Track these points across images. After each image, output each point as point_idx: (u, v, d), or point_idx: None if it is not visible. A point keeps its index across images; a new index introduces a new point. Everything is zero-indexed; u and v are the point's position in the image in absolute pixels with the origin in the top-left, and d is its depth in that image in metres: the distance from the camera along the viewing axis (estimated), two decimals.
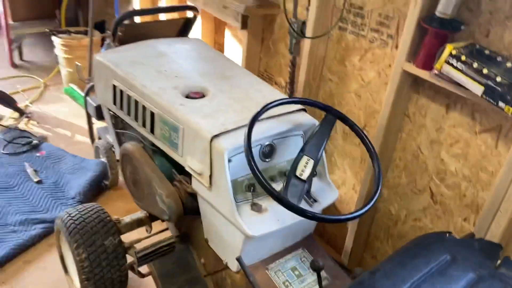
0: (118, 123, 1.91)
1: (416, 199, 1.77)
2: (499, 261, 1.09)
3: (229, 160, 1.29)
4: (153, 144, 1.62)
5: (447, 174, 1.62)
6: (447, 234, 1.19)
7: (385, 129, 1.72)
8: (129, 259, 1.74)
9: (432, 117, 1.63)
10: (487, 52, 1.34)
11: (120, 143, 1.93)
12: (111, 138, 2.41)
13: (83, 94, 2.44)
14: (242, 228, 1.27)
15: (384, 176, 1.88)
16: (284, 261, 1.46)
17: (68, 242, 1.69)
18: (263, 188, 1.18)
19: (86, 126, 2.73)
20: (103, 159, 2.59)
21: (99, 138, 2.65)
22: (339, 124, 2.01)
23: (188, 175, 1.49)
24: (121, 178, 2.62)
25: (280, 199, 1.16)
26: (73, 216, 1.72)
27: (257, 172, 1.16)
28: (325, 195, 1.44)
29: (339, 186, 2.15)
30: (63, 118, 3.28)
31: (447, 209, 1.66)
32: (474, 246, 1.16)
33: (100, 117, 2.38)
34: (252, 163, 1.16)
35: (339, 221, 1.36)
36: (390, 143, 1.78)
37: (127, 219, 1.83)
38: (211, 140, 1.29)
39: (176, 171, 1.57)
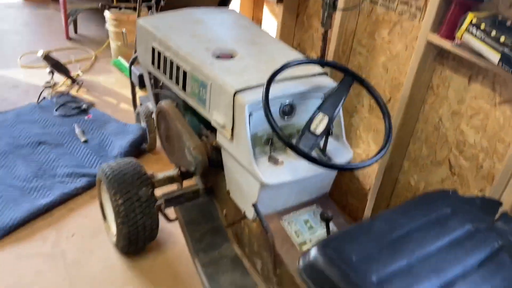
0: (156, 84, 2.07)
1: (435, 171, 1.81)
2: (497, 216, 1.14)
3: (250, 114, 1.40)
4: (184, 102, 1.76)
5: (466, 145, 1.65)
6: (451, 192, 1.24)
7: (408, 101, 1.76)
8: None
9: (455, 88, 1.65)
10: (508, 23, 1.35)
11: (157, 102, 2.09)
12: (151, 104, 2.60)
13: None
14: (258, 176, 1.38)
15: (405, 148, 1.92)
16: (298, 214, 1.56)
17: (107, 189, 1.88)
18: (275, 134, 1.27)
19: (130, 95, 2.93)
20: (143, 124, 2.78)
21: (141, 105, 2.85)
22: (365, 98, 2.08)
23: (214, 131, 1.62)
24: (158, 143, 2.81)
25: (290, 144, 1.26)
26: (113, 167, 1.91)
27: (270, 117, 1.26)
28: (340, 154, 1.51)
29: (363, 159, 2.21)
30: (110, 87, 3.52)
31: (464, 180, 1.69)
32: (476, 202, 1.21)
33: (142, 85, 2.56)
34: (267, 108, 1.26)
35: (343, 169, 1.43)
36: (413, 115, 1.82)
37: (160, 175, 2.00)
38: (234, 94, 1.41)
39: (204, 127, 1.71)
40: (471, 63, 1.49)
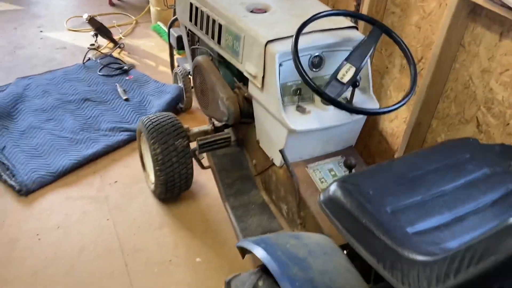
0: (193, 41, 2.17)
1: (462, 129, 1.83)
2: None
3: (280, 65, 1.48)
4: (219, 56, 1.86)
5: (494, 103, 1.66)
6: (471, 139, 1.29)
7: (438, 58, 1.77)
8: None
9: (486, 46, 1.65)
10: None
11: (194, 58, 2.20)
12: (188, 65, 2.71)
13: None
14: (285, 122, 1.47)
15: (434, 107, 1.94)
16: (323, 163, 1.64)
17: (147, 140, 2.03)
18: (303, 80, 1.35)
19: (168, 58, 3.06)
20: (180, 85, 2.91)
21: (178, 66, 2.98)
22: (397, 59, 2.10)
23: (246, 83, 1.71)
24: (194, 104, 2.95)
25: (317, 90, 1.33)
26: (152, 119, 2.05)
27: (298, 63, 1.33)
28: (366, 105, 1.57)
29: (392, 120, 2.24)
30: (149, 51, 3.67)
31: (490, 137, 1.70)
32: (495, 149, 1.25)
33: (180, 47, 2.67)
34: (296, 55, 1.33)
35: (367, 114, 1.49)
36: (443, 74, 1.83)
37: (195, 129, 2.13)
38: (266, 44, 1.49)
39: (237, 80, 1.80)
40: (503, 19, 1.49)
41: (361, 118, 1.63)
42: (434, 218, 1.07)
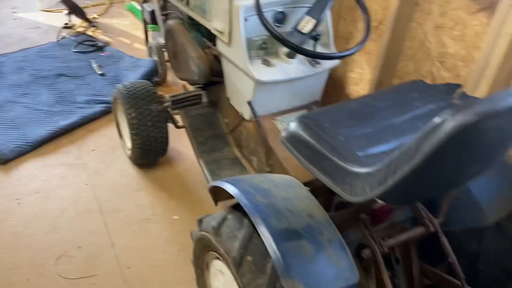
0: (164, 7, 2.24)
1: None
2: (455, 95, 1.30)
3: (246, 20, 1.57)
4: (189, 19, 1.94)
5: (447, 57, 1.79)
6: (419, 80, 1.41)
7: (395, 18, 1.89)
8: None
9: (438, 2, 1.78)
10: None
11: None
12: (162, 39, 2.77)
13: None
14: (252, 74, 1.57)
15: (394, 66, 2.07)
16: (289, 116, 1.75)
17: (122, 106, 2.09)
18: (265, 29, 1.44)
19: (143, 36, 3.11)
20: (155, 58, 2.97)
21: (152, 40, 3.03)
22: (360, 23, 2.21)
23: (216, 44, 1.80)
24: (170, 78, 3.01)
25: (279, 37, 1.42)
26: (127, 86, 2.12)
27: (261, 14, 1.42)
28: (328, 60, 1.68)
29: (357, 83, 2.36)
30: (124, 29, 3.70)
31: None
32: (440, 88, 1.37)
33: (154, 21, 2.73)
34: (258, 7, 1.42)
35: (326, 58, 1.58)
36: (400, 33, 1.95)
37: (168, 96, 2.20)
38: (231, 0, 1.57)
39: (207, 41, 1.89)
40: None
41: (324, 71, 1.74)
42: (382, 145, 1.18)
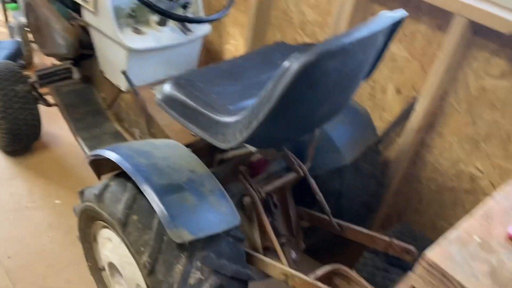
0: None
1: None
2: None
3: None
4: None
5: (306, 24, 1.98)
6: (282, 42, 1.55)
7: None
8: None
9: None
10: None
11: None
12: (23, 17, 2.55)
13: None
14: (123, 42, 1.56)
15: (263, 36, 2.22)
16: None
17: None
18: None
19: (2, 17, 2.82)
20: (18, 39, 2.72)
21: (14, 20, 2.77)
22: None
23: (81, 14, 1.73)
24: (37, 60, 2.79)
25: (147, 3, 1.44)
26: None
27: None
28: (200, 28, 1.74)
29: (233, 54, 2.47)
30: None
31: None
32: (300, 48, 1.53)
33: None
34: None
35: (193, 21, 1.64)
36: (266, 4, 2.10)
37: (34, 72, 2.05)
38: None
39: (72, 12, 1.81)
40: None
41: (197, 39, 1.80)
42: (250, 99, 1.29)
